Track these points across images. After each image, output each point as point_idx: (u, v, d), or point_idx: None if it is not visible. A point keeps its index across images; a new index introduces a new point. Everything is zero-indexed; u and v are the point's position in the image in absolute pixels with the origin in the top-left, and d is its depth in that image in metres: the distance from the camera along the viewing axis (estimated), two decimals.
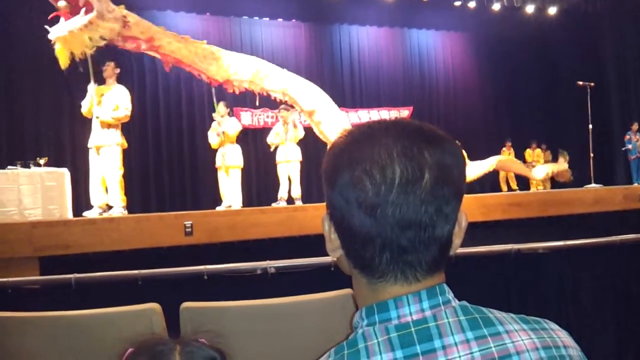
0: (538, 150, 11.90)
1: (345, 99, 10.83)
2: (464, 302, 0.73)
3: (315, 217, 5.16)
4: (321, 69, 11.16)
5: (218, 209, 6.67)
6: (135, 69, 9.50)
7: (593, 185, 7.95)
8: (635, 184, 9.56)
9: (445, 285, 0.74)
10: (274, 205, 7.14)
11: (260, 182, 9.86)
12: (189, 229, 5.19)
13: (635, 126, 10.58)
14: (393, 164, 0.69)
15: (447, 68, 12.61)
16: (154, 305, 1.60)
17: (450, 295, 0.74)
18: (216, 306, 1.56)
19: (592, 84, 8.74)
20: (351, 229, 0.71)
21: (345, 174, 0.70)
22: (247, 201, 7.90)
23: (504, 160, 9.74)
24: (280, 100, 7.02)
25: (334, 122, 6.83)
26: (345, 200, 0.70)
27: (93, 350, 1.53)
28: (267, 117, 10.40)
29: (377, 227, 0.69)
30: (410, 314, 0.71)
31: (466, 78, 12.61)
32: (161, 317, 1.59)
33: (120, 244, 4.87)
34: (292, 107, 7.17)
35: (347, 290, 1.65)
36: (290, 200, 7.34)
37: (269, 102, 10.09)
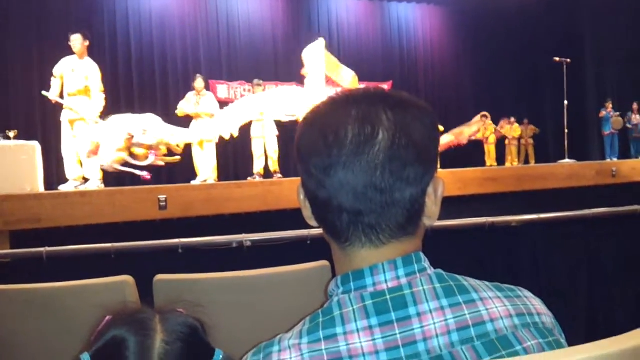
0: (516, 125, 12.00)
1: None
2: (439, 270, 0.74)
3: (292, 191, 5.13)
4: (299, 43, 11.01)
5: (193, 183, 6.60)
6: (108, 43, 9.27)
7: (567, 160, 8.06)
8: (608, 160, 9.73)
9: (421, 254, 0.74)
10: (249, 179, 7.09)
11: (237, 156, 9.77)
12: (163, 203, 5.12)
13: (610, 103, 10.72)
14: (347, 125, 0.69)
15: (426, 42, 12.58)
16: (127, 278, 1.56)
17: (426, 263, 0.74)
18: (190, 278, 1.54)
19: (569, 60, 8.80)
20: (314, 194, 0.72)
21: (306, 140, 0.73)
22: (223, 176, 7.83)
23: (457, 132, 9.86)
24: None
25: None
26: (308, 165, 0.72)
27: (66, 322, 1.50)
28: (244, 90, 10.27)
29: (332, 190, 0.70)
30: (386, 281, 0.71)
31: (445, 52, 12.61)
32: (134, 290, 1.56)
33: (93, 218, 4.79)
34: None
35: (323, 262, 1.64)
36: (267, 176, 7.30)
37: (245, 75, 10.01)
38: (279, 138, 7.35)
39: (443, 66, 12.49)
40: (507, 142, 11.72)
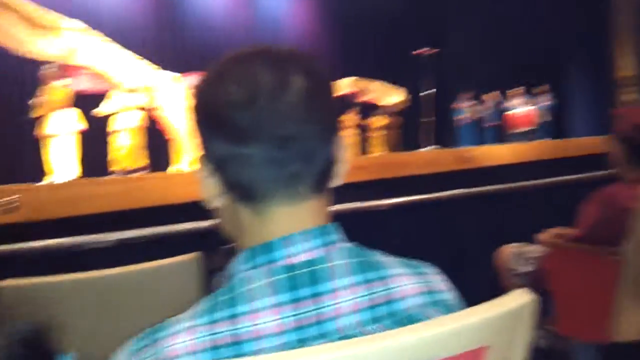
0: (381, 117, 12.46)
1: (192, 68, 10.42)
2: (353, 244, 0.70)
3: (160, 188, 4.90)
4: (163, 38, 10.56)
5: (46, 181, 6.07)
6: None
7: (431, 147, 8.55)
8: (464, 147, 10.47)
9: (335, 225, 0.70)
10: (112, 176, 6.67)
11: (96, 151, 9.15)
12: (12, 205, 4.63)
13: (466, 94, 11.54)
14: (262, 75, 0.66)
15: (297, 34, 12.63)
16: None
17: (340, 234, 0.69)
18: (38, 282, 1.36)
19: (434, 50, 9.29)
20: (227, 152, 0.66)
21: (216, 96, 0.67)
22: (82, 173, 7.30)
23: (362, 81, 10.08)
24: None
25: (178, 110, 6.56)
26: (216, 123, 0.66)
27: None
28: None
29: (250, 141, 0.65)
30: (299, 253, 0.65)
31: (315, 43, 12.74)
32: None
33: None
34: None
35: (194, 255, 1.54)
36: (131, 172, 6.92)
37: None
38: (140, 130, 6.99)
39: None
40: (371, 132, 12.16)
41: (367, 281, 0.67)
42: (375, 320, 0.65)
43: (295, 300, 0.63)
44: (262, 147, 0.65)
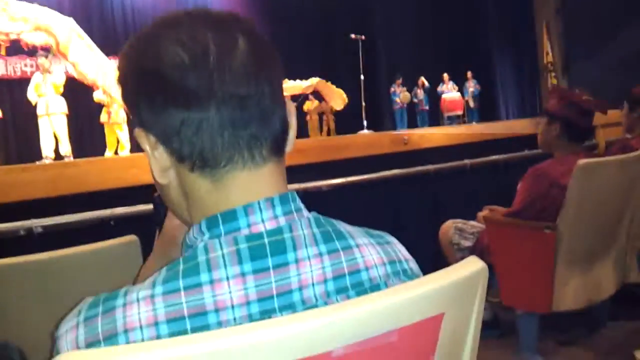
0: (316, 102, 12.49)
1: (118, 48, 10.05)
2: (315, 213, 0.67)
3: (89, 173, 4.70)
4: (90, 18, 10.10)
5: None
6: None
7: (365, 131, 8.62)
8: (400, 131, 10.64)
9: (294, 193, 0.66)
10: (38, 163, 6.34)
11: (20, 138, 8.69)
12: None
13: (399, 79, 11.69)
14: (204, 35, 0.61)
15: None
16: None
17: (301, 204, 0.66)
18: None
19: (363, 37, 9.35)
20: (179, 119, 0.61)
21: (151, 60, 0.62)
22: (5, 159, 6.91)
23: (322, 82, 10.08)
24: (41, 47, 6.17)
25: (93, 61, 6.25)
26: (163, 89, 0.61)
27: None
28: (25, 65, 9.13)
29: (206, 103, 0.61)
30: (263, 221, 0.61)
31: None
32: None
33: None
34: (49, 51, 6.39)
35: (130, 237, 1.47)
36: (58, 159, 6.60)
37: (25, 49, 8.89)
38: (68, 117, 6.67)
39: None
40: (308, 117, 12.16)
41: (332, 251, 0.64)
42: (340, 290, 0.63)
43: (259, 271, 0.60)
44: (220, 109, 0.61)
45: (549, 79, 11.00)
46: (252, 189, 0.63)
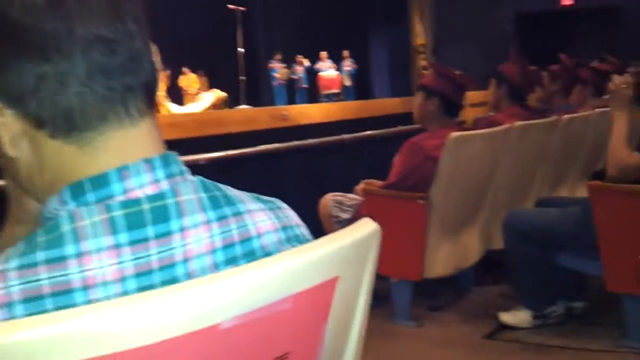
0: (193, 76, 12.03)
1: None
2: (200, 177, 0.59)
3: None
4: None
5: None
6: None
7: (243, 106, 8.48)
8: (279, 106, 10.62)
9: (174, 154, 0.58)
10: None
11: None
12: None
13: (278, 56, 11.63)
14: None
15: None
16: None
17: (183, 166, 0.58)
18: None
19: (243, 8, 9.12)
20: (36, 74, 0.51)
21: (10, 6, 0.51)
22: None
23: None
24: None
25: None
26: (11, 39, 0.51)
27: None
28: None
29: (69, 50, 0.51)
30: (142, 185, 0.53)
31: None
32: None
33: None
34: None
35: None
36: None
37: None
38: None
39: None
40: (183, 93, 11.71)
41: (221, 218, 0.58)
42: (230, 261, 0.57)
43: (137, 242, 0.52)
44: (87, 55, 0.51)
45: (419, 61, 11.54)
46: (128, 150, 0.55)
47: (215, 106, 9.90)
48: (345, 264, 0.66)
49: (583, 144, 3.51)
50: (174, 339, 0.47)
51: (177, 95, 11.16)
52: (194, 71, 12.01)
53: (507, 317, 2.54)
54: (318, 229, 2.82)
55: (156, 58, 0.61)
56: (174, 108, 9.68)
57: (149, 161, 0.55)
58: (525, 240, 2.43)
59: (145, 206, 0.53)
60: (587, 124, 3.47)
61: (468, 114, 4.70)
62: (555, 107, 3.77)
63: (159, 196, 0.54)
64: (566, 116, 3.27)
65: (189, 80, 11.92)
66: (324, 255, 0.61)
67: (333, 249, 0.63)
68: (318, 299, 0.63)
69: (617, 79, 2.29)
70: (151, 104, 0.58)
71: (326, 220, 2.80)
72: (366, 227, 0.71)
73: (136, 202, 0.53)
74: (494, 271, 3.06)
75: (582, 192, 3.21)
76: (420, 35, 11.61)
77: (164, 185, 0.55)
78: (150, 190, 0.54)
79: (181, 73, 11.77)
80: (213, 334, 0.50)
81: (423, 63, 11.29)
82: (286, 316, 0.59)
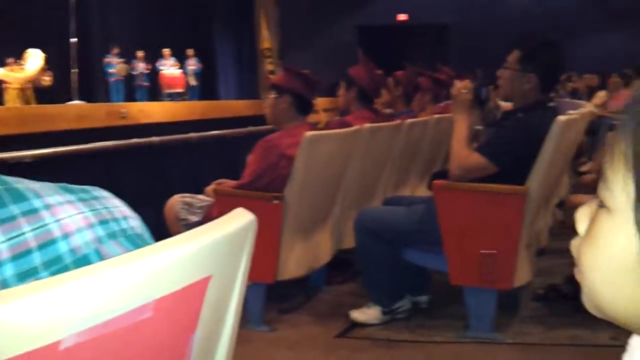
0: (16, 67, 10.77)
1: None
2: None
3: None
4: None
5: None
6: None
7: (76, 101, 7.83)
8: (116, 103, 9.94)
9: None
10: None
11: None
12: None
13: (115, 50, 10.90)
14: None
15: None
16: None
17: None
18: None
19: None
20: None
21: None
22: None
23: None
24: None
25: None
26: None
27: None
28: None
29: None
30: None
31: None
32: None
33: None
34: None
35: None
36: None
37: None
38: None
39: None
40: (4, 86, 10.44)
41: (6, 220, 0.47)
42: (22, 275, 0.46)
43: (5, 220, 0.45)
44: None
45: (266, 65, 11.58)
46: None
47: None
48: (218, 261, 0.57)
49: (422, 147, 3.71)
50: None
51: None
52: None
53: (357, 315, 2.56)
54: (164, 234, 2.64)
55: None
56: None
57: None
58: (375, 238, 2.47)
59: None
60: (426, 128, 3.68)
61: (320, 119, 4.78)
62: (397, 113, 3.96)
63: None
64: (409, 120, 3.43)
65: (12, 71, 10.66)
66: (193, 252, 0.52)
67: (204, 244, 0.54)
68: (185, 304, 0.53)
69: (458, 84, 2.43)
70: None
71: (173, 224, 2.62)
72: (241, 218, 0.63)
73: None
74: (345, 270, 3.10)
75: (422, 192, 3.39)
76: (266, 39, 11.66)
77: None
78: None
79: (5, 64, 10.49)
80: (51, 355, 0.39)
81: (270, 67, 11.36)
82: (145, 327, 0.48)
